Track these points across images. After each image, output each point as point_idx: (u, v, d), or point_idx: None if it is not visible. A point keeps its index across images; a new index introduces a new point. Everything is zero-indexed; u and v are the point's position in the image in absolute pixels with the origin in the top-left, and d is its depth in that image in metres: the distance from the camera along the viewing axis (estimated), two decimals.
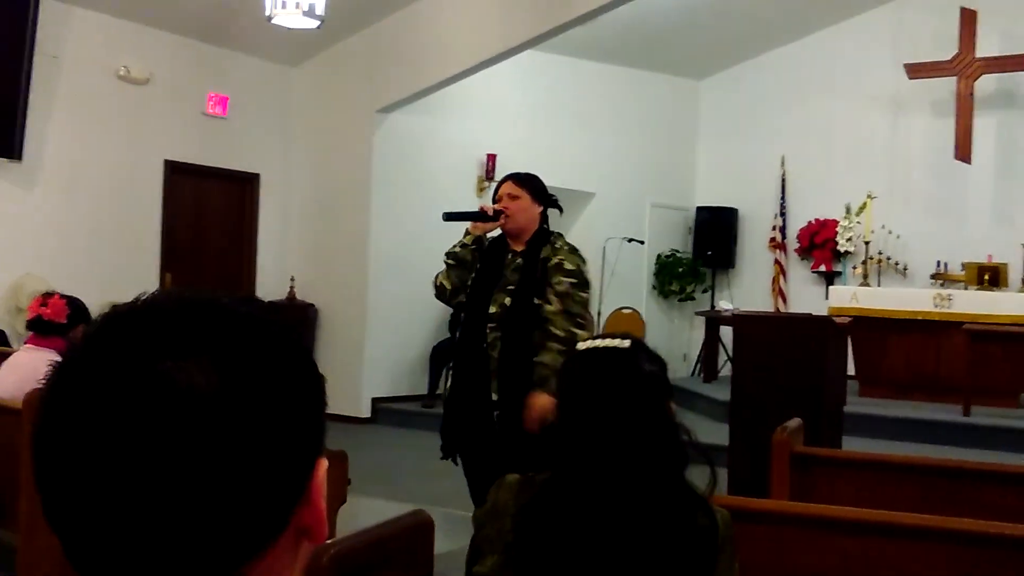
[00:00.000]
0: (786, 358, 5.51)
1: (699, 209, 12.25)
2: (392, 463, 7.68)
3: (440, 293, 4.23)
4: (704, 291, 12.18)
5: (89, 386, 0.71)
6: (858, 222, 10.80)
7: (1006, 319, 8.82)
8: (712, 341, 10.69)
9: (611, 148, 11.49)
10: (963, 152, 10.43)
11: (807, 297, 11.35)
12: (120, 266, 8.20)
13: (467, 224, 4.23)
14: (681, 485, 1.90)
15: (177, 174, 9.00)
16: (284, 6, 7.00)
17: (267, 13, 7.09)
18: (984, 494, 3.26)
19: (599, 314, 10.41)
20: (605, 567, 1.80)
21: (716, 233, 11.99)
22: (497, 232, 4.23)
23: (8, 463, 3.90)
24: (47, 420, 0.72)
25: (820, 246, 11.47)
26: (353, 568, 1.69)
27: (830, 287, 10.43)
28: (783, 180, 11.79)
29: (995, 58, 10.33)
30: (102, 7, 8.21)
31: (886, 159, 11.19)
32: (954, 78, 10.50)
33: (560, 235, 4.28)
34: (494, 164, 10.17)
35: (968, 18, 10.35)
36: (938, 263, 10.62)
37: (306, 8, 7.05)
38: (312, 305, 9.71)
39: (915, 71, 10.58)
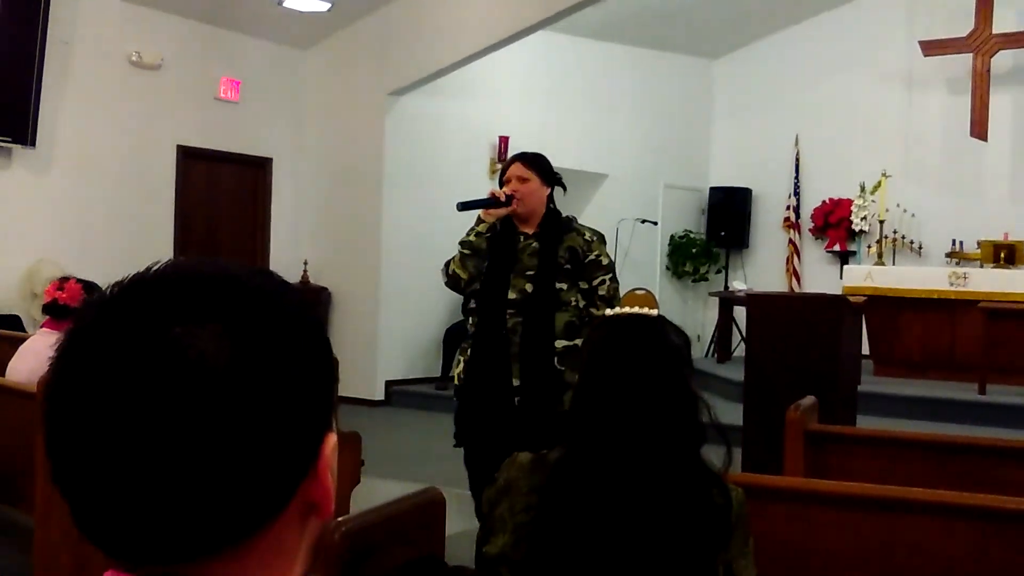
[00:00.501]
0: (800, 338, 5.50)
1: (713, 189, 12.21)
2: (406, 445, 7.70)
3: (454, 283, 4.15)
4: (718, 272, 12.15)
5: (100, 349, 0.70)
6: (873, 201, 10.73)
7: (1022, 297, 8.76)
8: (726, 322, 10.67)
9: (624, 129, 11.45)
10: (979, 129, 10.34)
11: (821, 277, 11.31)
12: (134, 251, 8.22)
13: (479, 211, 4.14)
14: (697, 462, 1.90)
15: (190, 159, 9.02)
16: None
17: None
18: (999, 470, 3.24)
19: None
20: (620, 544, 1.80)
21: (730, 213, 11.95)
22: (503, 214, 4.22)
23: (24, 446, 3.93)
24: (57, 382, 0.72)
25: (834, 225, 11.41)
26: (365, 544, 1.70)
27: (844, 266, 10.38)
28: (797, 159, 11.73)
29: (1012, 34, 10.22)
30: None
31: (901, 137, 11.11)
32: (970, 55, 10.40)
33: (575, 219, 4.26)
34: (506, 146, 10.15)
35: None
36: (953, 242, 10.56)
37: None
38: (325, 289, 9.72)
39: (930, 48, 10.49)
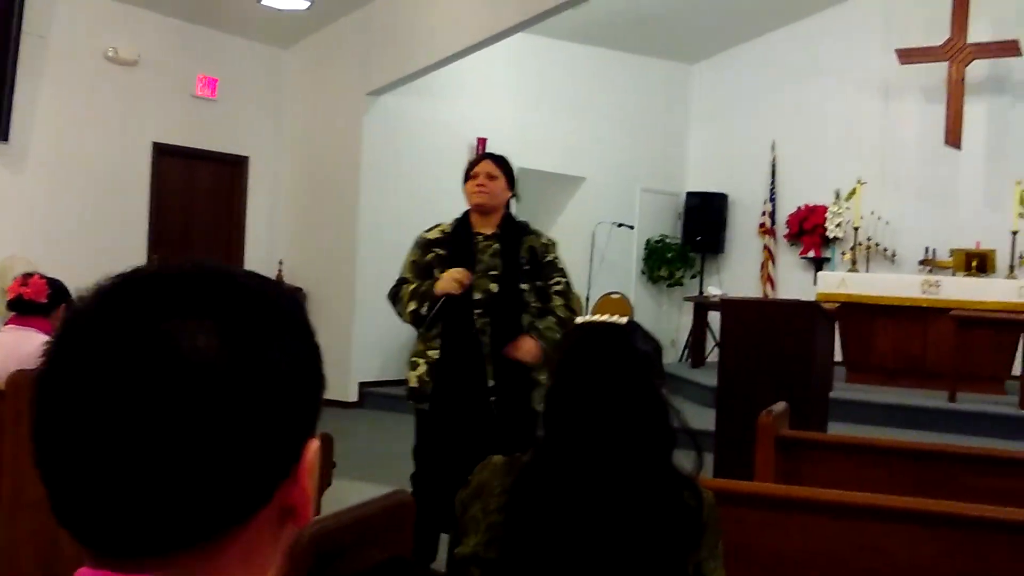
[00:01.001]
0: (774, 344, 5.53)
1: (689, 194, 12.25)
2: (379, 447, 7.67)
3: (419, 320, 4.04)
4: (693, 276, 12.20)
5: (92, 338, 0.71)
6: (847, 208, 10.81)
7: (993, 306, 8.84)
8: (700, 326, 10.71)
9: (602, 132, 11.48)
10: (953, 138, 10.44)
11: (796, 283, 11.37)
12: (107, 248, 8.17)
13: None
14: (668, 465, 1.91)
15: (165, 156, 8.96)
16: None
17: None
18: (967, 477, 3.27)
19: (588, 299, 10.41)
20: (590, 546, 1.80)
21: (706, 218, 12.00)
22: (460, 214, 4.24)
23: None
24: (49, 368, 0.72)
25: (809, 232, 11.48)
26: (332, 546, 1.69)
27: (819, 273, 10.45)
28: (773, 165, 11.80)
29: (986, 43, 10.33)
30: None
31: (876, 145, 11.19)
32: (945, 63, 10.50)
33: (528, 224, 4.32)
34: (484, 147, 10.15)
35: (960, 3, 10.35)
36: (927, 249, 10.65)
37: None
38: (300, 289, 9.67)
39: (906, 56, 10.58)
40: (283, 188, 9.96)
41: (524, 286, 4.07)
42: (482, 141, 10.21)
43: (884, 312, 9.25)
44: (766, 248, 11.84)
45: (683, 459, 1.95)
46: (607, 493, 1.82)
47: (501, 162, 4.26)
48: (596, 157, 11.45)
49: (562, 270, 4.20)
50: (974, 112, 10.49)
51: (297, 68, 9.94)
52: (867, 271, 10.58)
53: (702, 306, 10.63)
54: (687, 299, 11.48)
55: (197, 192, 9.41)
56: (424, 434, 4.14)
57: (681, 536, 1.86)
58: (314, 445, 0.78)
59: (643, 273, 12.13)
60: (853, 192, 10.54)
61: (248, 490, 0.73)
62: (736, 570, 2.23)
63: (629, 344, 1.94)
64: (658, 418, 1.89)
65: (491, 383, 3.98)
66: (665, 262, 12.07)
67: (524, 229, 4.23)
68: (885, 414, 8.06)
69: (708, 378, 8.36)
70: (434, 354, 4.05)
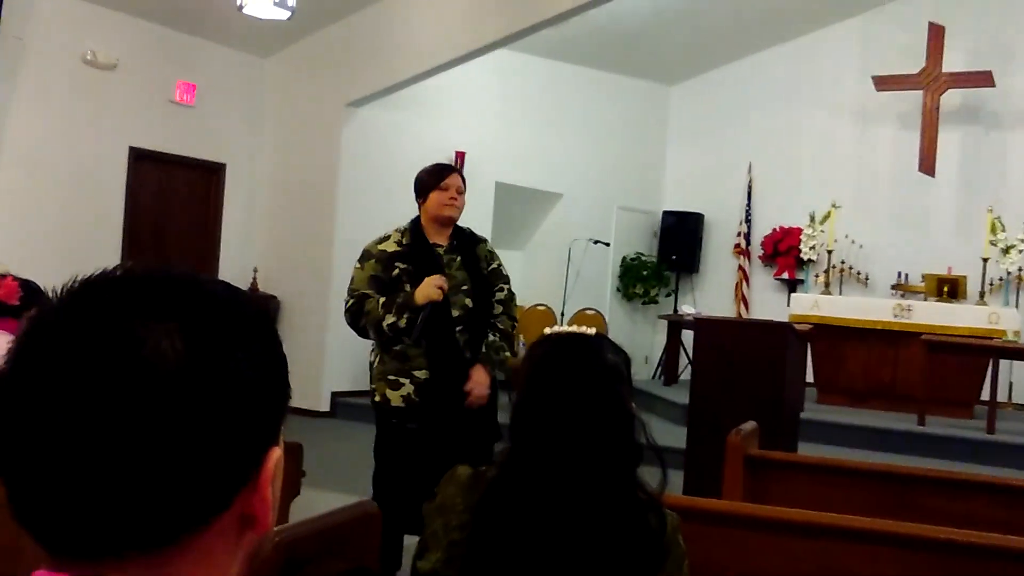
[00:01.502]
0: (746, 363, 5.55)
1: (666, 213, 12.31)
2: (349, 457, 7.63)
3: (398, 333, 3.97)
4: (668, 295, 12.24)
5: (55, 339, 0.71)
6: (822, 231, 10.89)
7: (963, 331, 8.92)
8: (674, 345, 10.75)
9: (580, 150, 11.52)
10: (927, 165, 10.55)
11: (769, 304, 11.44)
12: (81, 253, 8.10)
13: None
14: (632, 483, 1.90)
15: (142, 161, 8.91)
16: None
17: (238, 3, 7.05)
18: (934, 500, 3.30)
19: (563, 315, 10.43)
20: (552, 567, 1.80)
21: (682, 238, 12.06)
22: (406, 224, 4.25)
23: None
24: (12, 366, 0.72)
25: (784, 253, 11.56)
26: (299, 555, 1.68)
27: (792, 294, 10.51)
28: (749, 187, 11.88)
29: (961, 73, 10.45)
30: None
31: (851, 169, 11.30)
32: (920, 92, 10.61)
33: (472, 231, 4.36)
34: (463, 162, 10.16)
35: (936, 33, 10.47)
36: (899, 274, 10.74)
37: None
38: (275, 297, 9.65)
39: (883, 83, 10.69)
40: (260, 196, 9.93)
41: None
42: (460, 155, 10.22)
43: (856, 335, 9.32)
44: (741, 269, 11.91)
45: (649, 476, 1.95)
46: (571, 513, 1.82)
47: (463, 179, 4.30)
48: (574, 174, 11.50)
49: (507, 277, 4.26)
50: (948, 140, 10.61)
51: (277, 77, 9.92)
52: (840, 294, 10.66)
53: (676, 324, 10.67)
54: (661, 317, 11.52)
55: (173, 198, 9.36)
56: (406, 450, 4.03)
57: (643, 559, 1.86)
58: (276, 453, 0.78)
59: (618, 290, 12.17)
60: (828, 215, 10.63)
61: (206, 495, 0.73)
62: None
63: (597, 355, 1.94)
64: (625, 431, 1.89)
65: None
66: (640, 280, 12.11)
67: (473, 238, 4.26)
68: (855, 436, 8.11)
69: (680, 396, 8.38)
70: (421, 374, 4.00)
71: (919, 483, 3.45)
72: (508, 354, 4.17)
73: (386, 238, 4.22)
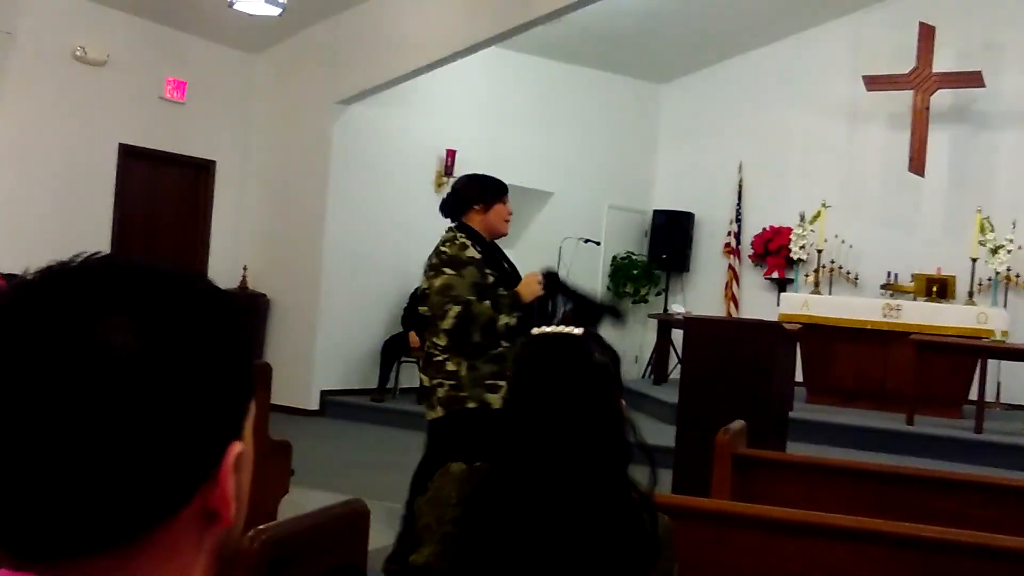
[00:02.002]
0: (735, 363, 5.55)
1: (656, 212, 12.32)
2: (338, 456, 7.64)
3: (512, 333, 4.09)
4: (658, 294, 12.25)
5: (8, 330, 0.69)
6: (812, 230, 10.92)
7: (952, 331, 8.95)
8: (664, 344, 10.76)
9: (571, 148, 11.52)
10: (917, 165, 10.57)
11: (759, 303, 11.45)
12: (69, 249, 7.86)
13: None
14: (623, 482, 1.90)
15: (131, 158, 8.88)
16: None
17: None
18: (922, 499, 3.30)
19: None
20: (543, 563, 1.80)
21: (672, 237, 12.07)
22: (462, 230, 4.35)
23: None
24: None
25: (774, 253, 11.57)
26: (285, 553, 1.68)
27: (782, 294, 10.53)
28: (740, 186, 11.89)
29: (951, 73, 10.48)
30: None
31: (841, 169, 11.32)
32: (911, 92, 10.64)
33: None
34: (453, 160, 10.16)
35: (926, 33, 10.49)
36: (888, 273, 10.76)
37: None
38: (264, 295, 9.63)
39: (873, 83, 10.71)
40: (249, 194, 9.91)
41: None
42: (451, 153, 10.21)
43: (845, 334, 9.35)
44: (731, 268, 11.93)
45: (638, 475, 1.95)
46: (561, 509, 1.81)
47: None
48: (564, 173, 11.50)
49: None
50: (938, 140, 10.64)
51: (267, 74, 9.90)
52: (830, 293, 10.69)
53: (666, 323, 10.68)
54: (651, 316, 11.53)
55: (162, 195, 9.33)
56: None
57: (635, 558, 1.85)
58: (236, 448, 0.76)
59: (608, 289, 12.17)
60: (818, 215, 10.65)
61: (163, 492, 0.71)
62: None
63: (585, 355, 1.94)
64: (614, 430, 1.89)
65: None
66: (631, 279, 12.12)
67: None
68: (844, 435, 8.13)
69: (670, 395, 8.39)
70: None
71: (907, 482, 3.46)
72: None
73: (464, 245, 4.23)
